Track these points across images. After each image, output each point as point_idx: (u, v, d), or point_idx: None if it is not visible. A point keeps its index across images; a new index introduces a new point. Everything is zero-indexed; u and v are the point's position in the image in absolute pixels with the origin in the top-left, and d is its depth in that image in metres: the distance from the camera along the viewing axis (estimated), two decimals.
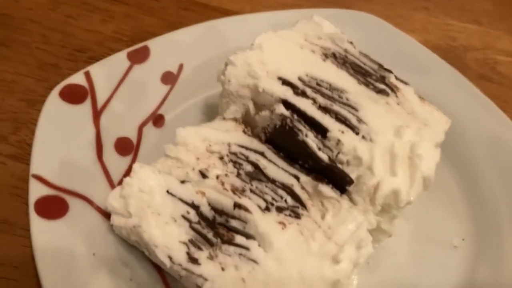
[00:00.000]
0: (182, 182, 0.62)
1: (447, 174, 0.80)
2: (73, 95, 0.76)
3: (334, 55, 0.75)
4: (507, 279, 0.68)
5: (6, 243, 0.67)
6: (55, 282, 0.58)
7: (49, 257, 0.60)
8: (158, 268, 0.64)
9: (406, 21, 1.12)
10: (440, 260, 0.71)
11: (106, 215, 0.65)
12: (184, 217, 0.59)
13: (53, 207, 0.64)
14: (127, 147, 0.75)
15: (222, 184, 0.62)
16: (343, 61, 0.75)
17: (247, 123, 0.73)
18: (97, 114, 0.75)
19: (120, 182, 0.70)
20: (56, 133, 0.71)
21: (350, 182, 0.63)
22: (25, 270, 0.65)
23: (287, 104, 0.67)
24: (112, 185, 0.70)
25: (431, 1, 1.19)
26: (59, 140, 0.71)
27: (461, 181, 0.79)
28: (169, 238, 0.58)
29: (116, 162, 0.72)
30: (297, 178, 0.64)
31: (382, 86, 0.72)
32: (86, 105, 0.76)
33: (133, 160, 0.74)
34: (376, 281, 0.68)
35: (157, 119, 0.80)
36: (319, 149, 0.64)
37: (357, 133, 0.66)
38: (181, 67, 0.85)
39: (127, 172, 0.72)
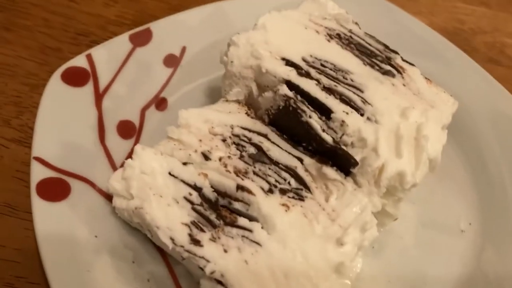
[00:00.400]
0: (184, 164, 0.62)
1: (454, 157, 0.79)
2: (75, 78, 0.75)
3: (339, 36, 0.74)
4: None
5: (8, 226, 0.67)
6: (58, 264, 0.58)
7: (51, 239, 0.59)
8: (160, 250, 0.63)
9: (412, 3, 1.10)
10: (447, 244, 0.70)
11: (108, 197, 0.65)
12: (186, 198, 0.59)
13: (55, 190, 0.64)
14: (129, 130, 0.74)
15: (225, 166, 0.61)
16: (348, 42, 0.74)
17: (250, 105, 0.72)
18: (99, 97, 0.75)
19: (123, 165, 0.70)
20: (58, 115, 0.71)
21: (355, 164, 0.62)
22: (28, 252, 0.65)
23: (290, 85, 0.66)
24: (115, 168, 0.70)
25: None
26: (61, 123, 0.70)
27: (468, 164, 0.78)
28: (171, 219, 0.57)
29: (118, 145, 0.72)
30: (301, 160, 0.63)
31: (387, 67, 0.71)
32: (88, 88, 0.75)
33: (136, 143, 0.73)
34: (381, 264, 0.67)
35: (160, 102, 0.79)
36: (323, 130, 0.63)
37: (362, 115, 0.65)
38: (184, 49, 0.84)
39: (130, 155, 0.71)
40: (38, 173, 0.64)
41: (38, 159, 0.65)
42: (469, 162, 0.78)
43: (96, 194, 0.65)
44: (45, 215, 0.61)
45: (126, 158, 0.70)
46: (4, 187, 0.71)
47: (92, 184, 0.66)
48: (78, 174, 0.66)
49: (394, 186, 0.62)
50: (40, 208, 0.61)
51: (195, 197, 0.59)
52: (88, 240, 0.61)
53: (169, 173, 0.61)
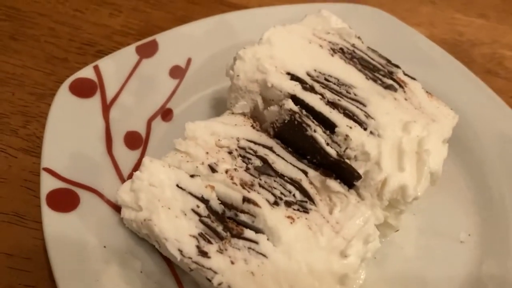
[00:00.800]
0: (192, 176, 0.63)
1: (454, 169, 0.80)
2: (83, 89, 0.76)
3: (342, 50, 0.76)
4: None
5: (17, 234, 0.68)
6: (67, 273, 0.59)
7: (61, 248, 0.60)
8: (167, 261, 0.65)
9: (412, 15, 1.12)
10: (447, 255, 0.72)
11: (117, 208, 0.66)
12: (194, 211, 0.60)
13: (65, 200, 0.65)
14: (136, 141, 0.76)
15: (231, 178, 0.62)
16: (351, 56, 0.75)
17: (255, 118, 0.73)
18: (106, 108, 0.76)
19: (130, 176, 0.71)
20: (66, 126, 0.72)
21: (358, 177, 0.64)
22: (37, 261, 0.66)
23: (295, 99, 0.67)
24: (122, 178, 0.71)
25: None
26: (69, 134, 0.71)
27: (468, 176, 0.80)
28: (179, 231, 0.58)
29: (125, 156, 0.73)
30: (305, 173, 0.65)
31: (390, 82, 0.73)
32: (96, 99, 0.76)
33: (142, 154, 0.75)
34: (383, 275, 0.69)
35: (166, 113, 0.80)
36: (327, 144, 0.65)
37: (365, 129, 0.66)
38: (189, 61, 0.85)
39: (137, 166, 0.73)
40: (47, 184, 0.65)
41: (48, 170, 0.66)
42: (468, 174, 0.80)
43: (104, 204, 0.67)
44: (55, 226, 0.62)
45: (133, 169, 0.73)
46: (12, 196, 0.72)
47: (100, 195, 0.67)
48: (86, 185, 0.67)
49: (396, 199, 0.64)
50: (50, 219, 0.62)
51: (202, 209, 0.60)
52: (97, 250, 0.62)
53: (177, 185, 0.62)
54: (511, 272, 0.68)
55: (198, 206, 0.60)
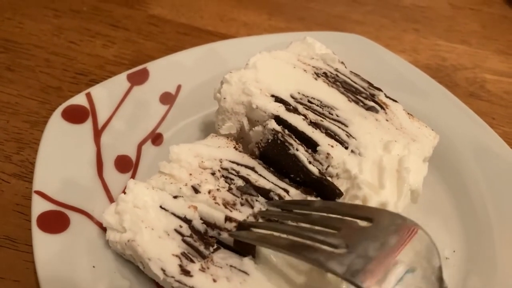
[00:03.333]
0: (175, 197, 0.65)
1: (439, 188, 0.81)
2: (75, 115, 0.78)
3: (325, 74, 0.79)
4: None
5: (8, 258, 0.69)
6: None
7: (51, 269, 0.61)
8: (155, 281, 0.65)
9: (396, 42, 1.16)
10: None
11: (105, 229, 0.67)
12: (176, 231, 0.61)
13: (55, 222, 0.66)
14: (126, 165, 0.77)
15: (214, 198, 0.64)
16: (334, 80, 0.78)
17: (241, 138, 0.76)
18: (97, 133, 0.78)
19: None
20: (58, 151, 0.74)
21: (340, 194, 0.65)
22: (27, 284, 0.66)
23: (279, 120, 0.70)
24: (112, 201, 0.72)
25: (421, 23, 1.23)
26: (61, 158, 0.73)
27: (452, 194, 0.81)
28: (162, 251, 0.59)
29: (116, 179, 0.75)
30: (287, 192, 0.66)
31: (371, 103, 0.75)
32: (87, 125, 0.78)
33: (133, 177, 0.76)
34: None
35: (156, 138, 0.83)
36: (310, 162, 0.67)
37: (346, 147, 0.68)
38: (179, 87, 0.88)
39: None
40: (38, 206, 0.67)
41: (39, 193, 0.68)
42: (452, 193, 0.81)
43: (94, 226, 0.68)
44: (45, 247, 0.63)
45: (123, 191, 0.74)
46: (4, 220, 0.73)
47: (90, 217, 0.68)
48: (77, 207, 0.69)
49: None
50: (40, 240, 0.63)
51: (185, 229, 0.61)
52: (86, 270, 0.63)
53: (160, 206, 0.63)
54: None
55: (181, 226, 0.62)
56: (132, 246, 0.60)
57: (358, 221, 0.54)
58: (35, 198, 0.67)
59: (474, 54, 1.16)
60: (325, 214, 0.58)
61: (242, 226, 0.61)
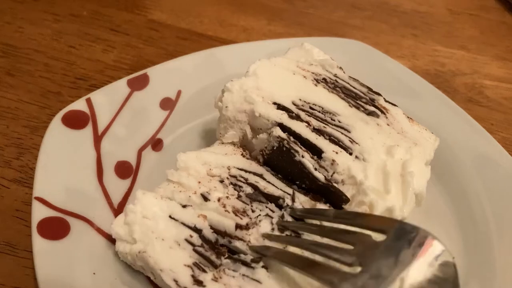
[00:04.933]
0: (184, 206, 0.64)
1: (438, 195, 0.81)
2: (75, 121, 0.78)
3: (325, 80, 0.79)
4: None
5: (8, 264, 0.69)
6: None
7: (50, 276, 0.61)
8: (156, 287, 0.65)
9: (395, 48, 1.17)
10: None
11: (106, 235, 0.67)
12: (187, 240, 0.61)
13: (55, 228, 0.66)
14: (126, 171, 0.77)
15: (224, 206, 0.64)
16: (333, 86, 0.78)
17: (244, 146, 0.76)
18: (97, 139, 0.78)
19: (120, 205, 0.73)
20: (58, 157, 0.73)
21: (346, 200, 0.66)
22: None
23: (282, 127, 0.70)
24: (112, 207, 0.72)
25: (420, 28, 1.24)
26: (61, 164, 0.73)
27: (451, 200, 0.81)
28: (174, 262, 0.59)
29: (116, 185, 0.74)
30: (296, 198, 0.66)
31: (372, 108, 0.76)
32: (88, 130, 0.78)
33: (133, 183, 0.76)
34: None
35: (156, 143, 0.82)
36: (315, 169, 0.67)
37: (350, 153, 0.69)
38: (179, 93, 0.88)
39: (127, 194, 0.74)
40: (39, 212, 0.66)
41: (39, 199, 0.68)
42: (451, 199, 0.81)
43: (94, 232, 0.67)
44: (45, 253, 0.63)
45: (124, 197, 0.74)
46: (4, 226, 0.73)
47: (90, 223, 0.68)
48: (77, 213, 0.68)
49: None
50: (40, 246, 0.63)
51: (195, 238, 0.61)
52: (87, 277, 0.62)
53: (170, 216, 0.63)
54: None
55: (191, 236, 0.61)
56: (143, 257, 0.59)
57: (372, 234, 0.53)
58: (35, 205, 0.67)
59: (472, 60, 1.17)
60: (340, 226, 0.58)
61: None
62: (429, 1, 1.35)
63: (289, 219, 0.64)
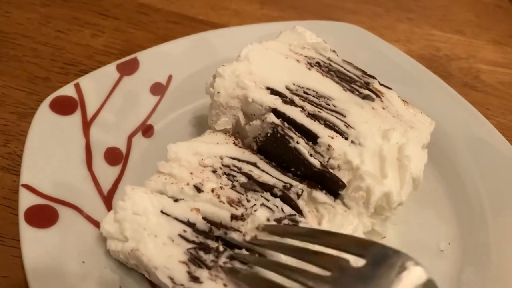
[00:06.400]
0: (176, 200, 0.62)
1: (433, 179, 0.81)
2: (63, 107, 0.76)
3: (318, 64, 0.77)
4: (493, 283, 0.68)
5: None
6: None
7: (39, 265, 0.60)
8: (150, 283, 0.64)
9: (390, 32, 1.15)
10: (427, 264, 0.71)
11: (96, 223, 0.66)
12: (181, 236, 0.59)
13: (43, 216, 0.64)
14: (116, 157, 0.76)
15: (218, 197, 0.62)
16: (327, 69, 0.77)
17: (237, 133, 0.74)
18: (86, 125, 0.76)
19: (110, 192, 0.71)
20: (46, 143, 0.72)
21: (343, 186, 0.64)
22: (15, 280, 0.65)
23: (277, 113, 0.68)
24: (102, 194, 0.70)
25: (415, 12, 1.22)
26: (49, 150, 0.71)
27: (447, 186, 0.80)
28: (168, 258, 0.57)
29: (105, 172, 0.73)
30: (291, 186, 0.65)
31: (366, 92, 0.74)
32: (76, 116, 0.77)
33: (123, 170, 0.75)
34: None
35: (146, 129, 0.81)
36: (311, 155, 0.65)
37: (346, 138, 0.67)
38: (170, 78, 0.86)
39: (117, 181, 0.73)
40: (26, 200, 0.65)
41: (27, 186, 0.66)
42: (447, 184, 0.81)
43: (83, 220, 0.66)
44: (33, 242, 0.61)
45: (113, 185, 0.72)
46: None
47: (79, 211, 0.67)
48: (65, 201, 0.67)
49: (381, 206, 0.65)
50: (28, 235, 0.62)
51: (189, 233, 0.59)
52: (75, 265, 0.61)
53: (162, 212, 0.61)
54: (491, 280, 0.68)
55: (185, 231, 0.59)
56: (136, 255, 0.58)
57: (350, 258, 0.49)
58: (23, 192, 0.65)
59: (468, 44, 1.16)
60: (315, 247, 0.53)
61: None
62: None
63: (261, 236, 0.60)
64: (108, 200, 0.70)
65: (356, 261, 0.48)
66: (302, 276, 0.49)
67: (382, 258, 0.47)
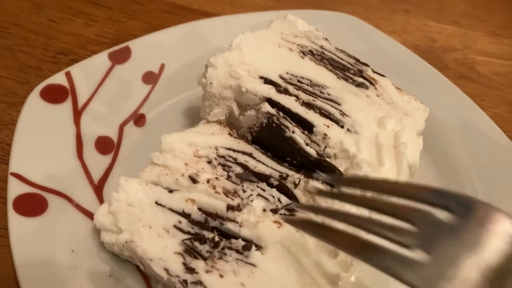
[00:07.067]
0: (170, 191, 0.61)
1: (427, 169, 0.80)
2: (54, 95, 0.75)
3: (311, 52, 0.76)
4: None
5: None
6: (33, 280, 0.57)
7: (27, 254, 0.59)
8: (137, 267, 0.63)
9: (386, 23, 1.14)
10: None
11: (86, 212, 0.65)
12: (176, 227, 0.58)
13: (32, 205, 0.63)
14: (107, 146, 0.75)
15: (214, 187, 0.61)
16: (320, 58, 0.76)
17: (231, 124, 0.73)
18: (77, 113, 0.75)
19: (101, 181, 0.71)
20: (36, 131, 0.71)
21: (340, 175, 0.64)
22: (3, 269, 0.64)
23: (271, 102, 0.67)
24: (92, 183, 0.70)
25: (411, 3, 1.21)
26: (39, 139, 0.70)
27: (440, 174, 0.80)
28: (163, 250, 0.56)
29: (96, 161, 0.72)
30: (288, 176, 0.64)
31: (360, 80, 0.74)
32: (67, 105, 0.75)
33: (114, 159, 0.74)
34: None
35: (138, 118, 0.80)
36: (307, 144, 0.65)
37: (342, 127, 0.67)
38: (162, 67, 0.85)
39: (108, 171, 0.72)
40: (15, 188, 0.64)
41: (16, 175, 0.65)
42: (441, 174, 0.80)
43: (73, 209, 0.65)
44: (21, 230, 0.60)
45: (104, 174, 0.72)
46: None
47: (69, 199, 0.66)
48: (55, 190, 0.66)
49: None
50: (16, 224, 0.61)
51: (185, 224, 0.58)
52: (65, 254, 0.60)
53: (156, 203, 0.60)
54: None
55: (180, 222, 0.59)
56: (130, 247, 0.57)
57: (433, 210, 0.44)
58: (11, 180, 0.65)
59: (464, 35, 1.15)
60: (396, 200, 0.46)
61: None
62: None
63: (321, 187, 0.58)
64: (98, 189, 0.69)
65: (442, 214, 0.43)
66: (382, 228, 0.44)
67: (471, 211, 0.43)
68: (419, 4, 1.22)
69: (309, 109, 0.67)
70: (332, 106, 0.69)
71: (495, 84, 1.04)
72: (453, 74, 1.03)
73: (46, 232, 0.62)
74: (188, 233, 0.58)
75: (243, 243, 0.57)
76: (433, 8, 1.21)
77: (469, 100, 0.87)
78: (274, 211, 0.60)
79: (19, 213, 0.62)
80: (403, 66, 0.92)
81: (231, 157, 0.66)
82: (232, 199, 0.60)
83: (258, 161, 0.66)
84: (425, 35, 1.13)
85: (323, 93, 0.70)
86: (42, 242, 0.61)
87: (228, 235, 0.58)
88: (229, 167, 0.64)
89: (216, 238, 0.57)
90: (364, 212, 0.48)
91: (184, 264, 0.55)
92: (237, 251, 0.57)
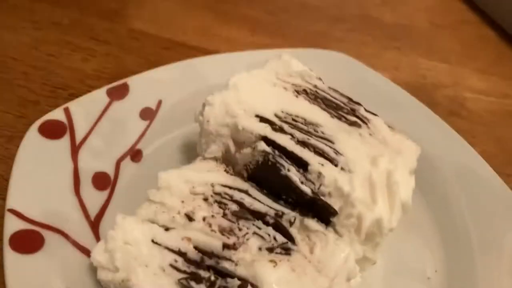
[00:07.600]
0: (167, 229, 0.62)
1: (419, 206, 0.81)
2: (52, 131, 0.76)
3: (305, 91, 0.78)
4: None
5: None
6: None
7: None
8: None
9: (377, 60, 1.17)
10: None
11: (82, 249, 0.65)
12: (172, 266, 0.58)
13: (28, 241, 0.63)
14: (104, 182, 0.75)
15: (209, 225, 0.61)
16: (314, 97, 0.78)
17: (227, 161, 0.74)
18: (75, 149, 0.76)
19: (97, 217, 0.71)
20: (34, 167, 0.71)
21: (334, 213, 0.64)
22: None
23: (267, 140, 0.68)
24: (89, 219, 0.70)
25: (402, 41, 1.25)
26: (37, 174, 0.71)
27: (433, 213, 0.81)
28: None
29: (93, 197, 0.73)
30: (283, 214, 0.64)
31: (353, 118, 0.75)
32: (65, 140, 0.76)
33: (110, 195, 0.74)
34: None
35: (135, 154, 0.81)
36: (302, 182, 0.65)
37: (336, 165, 0.67)
38: (159, 103, 0.87)
39: (104, 207, 0.73)
40: (11, 225, 0.64)
41: (12, 211, 0.65)
42: (433, 212, 0.81)
43: (70, 245, 0.65)
44: (17, 267, 0.60)
45: (101, 210, 0.72)
46: None
47: (66, 236, 0.66)
48: (52, 226, 0.66)
49: (372, 232, 0.65)
50: (12, 261, 0.61)
51: (180, 263, 0.59)
52: None
53: (152, 241, 0.60)
54: None
55: (176, 261, 0.59)
56: (127, 286, 0.57)
57: None
58: (8, 217, 0.65)
59: (454, 72, 1.18)
60: None
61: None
62: (410, 14, 1.36)
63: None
64: (95, 225, 0.70)
65: None
66: None
67: None
68: (410, 42, 1.25)
69: (304, 148, 0.69)
70: (326, 145, 0.70)
71: (485, 121, 1.06)
72: (444, 111, 1.05)
73: (42, 268, 0.62)
74: (184, 272, 0.58)
75: (238, 282, 0.57)
76: (423, 45, 1.25)
77: (459, 138, 0.88)
78: (270, 249, 0.60)
79: (15, 250, 0.62)
80: (395, 103, 0.94)
81: (227, 194, 0.66)
82: (228, 238, 0.61)
83: (254, 198, 0.66)
84: (415, 72, 1.16)
85: (317, 132, 0.72)
86: (37, 279, 0.61)
87: (224, 274, 0.58)
88: (225, 204, 0.65)
89: (212, 278, 0.57)
90: None
91: None
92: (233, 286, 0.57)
